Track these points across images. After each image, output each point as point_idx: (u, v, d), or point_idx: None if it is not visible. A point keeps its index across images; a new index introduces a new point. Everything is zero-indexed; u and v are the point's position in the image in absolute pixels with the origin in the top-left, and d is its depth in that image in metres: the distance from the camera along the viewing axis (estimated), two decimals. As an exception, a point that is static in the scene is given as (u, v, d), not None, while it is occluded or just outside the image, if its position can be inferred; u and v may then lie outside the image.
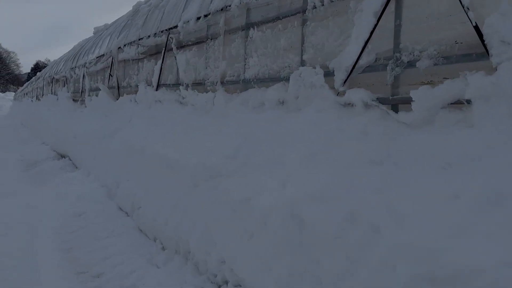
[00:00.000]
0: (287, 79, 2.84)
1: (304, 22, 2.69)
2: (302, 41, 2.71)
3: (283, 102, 2.83)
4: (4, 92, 52.02)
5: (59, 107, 11.60)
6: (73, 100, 10.56)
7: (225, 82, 3.65)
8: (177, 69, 4.60)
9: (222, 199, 2.71)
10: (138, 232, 4.03)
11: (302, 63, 2.72)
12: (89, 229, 4.39)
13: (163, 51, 4.95)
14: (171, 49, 4.77)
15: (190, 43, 4.33)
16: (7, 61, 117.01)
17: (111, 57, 6.94)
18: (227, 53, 3.64)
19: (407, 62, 1.98)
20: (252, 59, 3.24)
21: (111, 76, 6.99)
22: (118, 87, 6.69)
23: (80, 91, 9.67)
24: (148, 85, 5.37)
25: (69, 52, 15.29)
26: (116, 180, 4.96)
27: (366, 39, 2.15)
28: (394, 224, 1.63)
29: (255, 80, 3.22)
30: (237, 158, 2.75)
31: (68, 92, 11.28)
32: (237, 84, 3.46)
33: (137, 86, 5.79)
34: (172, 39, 4.68)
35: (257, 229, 2.32)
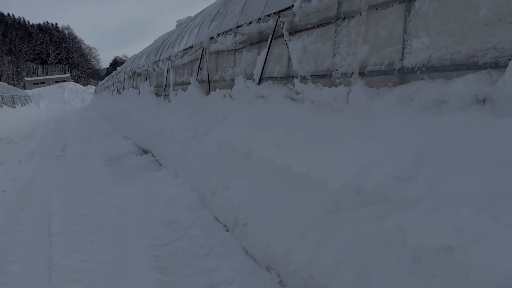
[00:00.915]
0: (493, 66, 1.93)
1: (535, -21, 1.77)
2: (529, 8, 1.78)
3: (484, 100, 1.93)
4: (86, 86, 55.79)
5: (141, 101, 11.53)
6: (156, 94, 10.34)
7: (366, 72, 2.80)
8: (289, 58, 3.84)
9: (393, 239, 1.88)
10: (243, 254, 3.35)
11: (528, 41, 1.79)
12: (184, 243, 3.81)
13: (269, 38, 4.22)
14: (281, 36, 4.02)
15: (309, 26, 3.54)
16: (89, 57, 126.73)
17: (201, 49, 6.41)
18: (371, 35, 2.79)
19: None
20: (419, 40, 2.36)
21: (201, 69, 6.47)
22: (209, 81, 6.12)
23: (164, 85, 9.37)
24: (248, 79, 4.69)
25: (150, 46, 15.36)
26: (211, 186, 4.35)
27: None
28: None
29: (423, 68, 2.33)
30: (416, 181, 1.91)
31: (150, 86, 11.13)
32: (389, 75, 2.60)
33: (232, 80, 5.15)
34: (283, 24, 3.92)
35: (476, 300, 1.48)
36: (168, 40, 10.86)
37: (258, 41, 4.61)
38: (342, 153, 2.47)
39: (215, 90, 5.76)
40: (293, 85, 3.69)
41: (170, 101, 8.38)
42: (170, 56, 8.91)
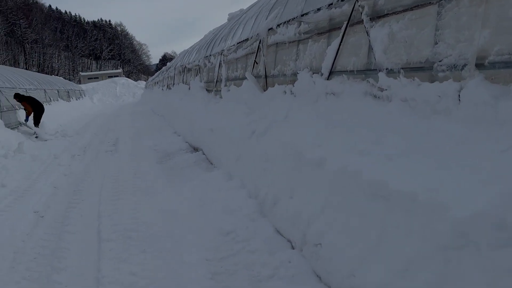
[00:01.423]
0: None
1: None
2: None
3: None
4: (136, 81, 57.57)
5: (191, 97, 11.32)
6: (207, 90, 10.05)
7: (486, 64, 2.18)
8: (369, 48, 3.26)
9: None
10: (315, 279, 2.84)
11: None
12: (243, 259, 3.36)
13: (343, 26, 3.65)
14: (358, 22, 3.45)
15: (399, 9, 2.94)
16: (140, 53, 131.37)
17: (258, 41, 5.94)
18: (494, 16, 2.17)
19: None
20: None
21: (257, 63, 6.00)
22: (266, 76, 5.64)
23: (215, 80, 9.03)
24: (314, 73, 4.15)
25: (201, 41, 15.16)
26: (272, 194, 3.88)
27: None
28: None
29: None
30: None
31: (201, 81, 10.86)
32: (523, 67, 1.98)
33: (294, 74, 4.64)
34: (363, 8, 3.35)
35: None
36: (219, 34, 10.51)
37: (327, 30, 4.05)
38: (462, 170, 1.89)
39: (273, 86, 5.28)
40: (376, 79, 3.11)
41: (222, 97, 8.01)
42: (222, 50, 8.53)
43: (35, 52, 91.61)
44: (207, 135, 7.36)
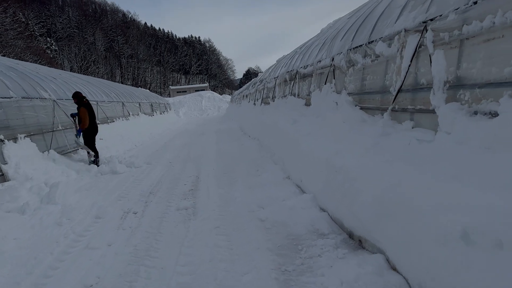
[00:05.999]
0: None
1: None
2: None
3: None
4: (221, 95, 55.85)
5: (316, 119, 6.76)
6: (360, 108, 5.39)
7: None
8: None
9: None
10: None
11: None
12: None
13: None
14: None
15: None
16: (225, 68, 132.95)
17: None
18: None
19: None
20: None
21: None
22: None
23: (396, 89, 4.32)
24: None
25: (318, 36, 10.62)
26: None
27: None
28: None
29: None
30: None
31: (339, 93, 6.24)
32: None
33: None
34: None
35: None
36: (380, 8, 5.83)
37: None
38: None
39: None
40: None
41: (448, 132, 3.27)
42: (426, 21, 3.83)
43: (130, 66, 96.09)
44: (399, 218, 2.68)
